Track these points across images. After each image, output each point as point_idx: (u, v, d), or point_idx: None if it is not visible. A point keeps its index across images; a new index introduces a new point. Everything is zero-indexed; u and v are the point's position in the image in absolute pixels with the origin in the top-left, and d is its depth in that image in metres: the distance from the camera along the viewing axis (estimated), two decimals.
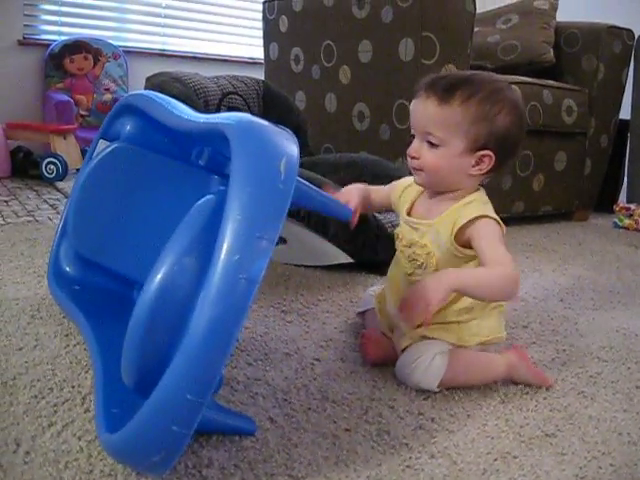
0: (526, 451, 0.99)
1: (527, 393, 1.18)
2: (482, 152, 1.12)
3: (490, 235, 1.11)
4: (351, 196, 1.21)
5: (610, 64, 2.96)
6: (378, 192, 1.31)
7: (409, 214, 1.22)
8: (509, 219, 2.78)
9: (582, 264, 2.22)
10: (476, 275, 1.10)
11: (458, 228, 1.11)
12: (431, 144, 1.12)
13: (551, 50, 3.02)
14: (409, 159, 1.16)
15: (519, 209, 2.81)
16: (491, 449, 0.99)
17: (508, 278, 1.08)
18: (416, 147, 1.14)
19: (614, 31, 2.95)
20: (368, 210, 1.33)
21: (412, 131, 1.17)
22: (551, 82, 2.82)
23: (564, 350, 1.41)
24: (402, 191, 1.26)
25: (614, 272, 2.15)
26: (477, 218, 1.11)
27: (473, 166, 1.13)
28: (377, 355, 1.24)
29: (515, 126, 1.13)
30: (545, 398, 1.17)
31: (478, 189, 1.19)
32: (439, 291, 1.03)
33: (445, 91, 1.11)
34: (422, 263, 1.18)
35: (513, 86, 1.19)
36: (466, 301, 1.17)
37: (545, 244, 2.52)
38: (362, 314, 1.41)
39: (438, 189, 1.18)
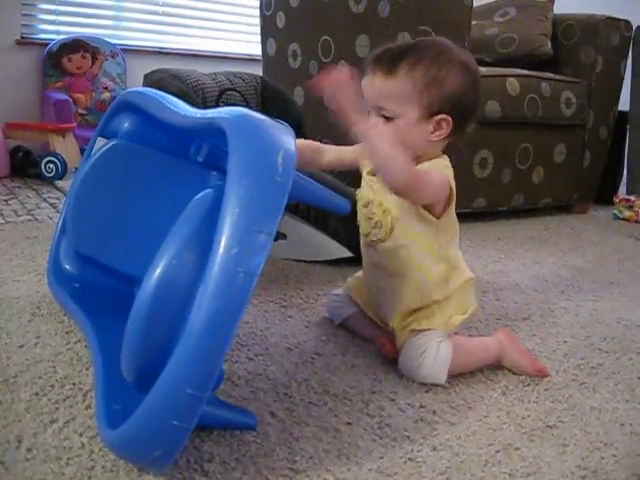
0: (528, 442, 0.99)
1: (528, 385, 1.18)
2: (438, 117, 1.11)
3: (427, 169, 1.12)
4: None
5: (608, 55, 2.95)
6: (334, 150, 1.28)
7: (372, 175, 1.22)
8: (509, 212, 2.79)
9: (582, 256, 2.22)
10: (386, 142, 1.07)
11: None
12: (386, 118, 1.12)
13: (549, 42, 3.01)
14: None
15: (519, 202, 2.81)
16: (493, 441, 0.99)
17: (406, 165, 1.05)
18: (373, 123, 1.14)
19: (612, 22, 2.94)
20: (313, 166, 1.29)
21: (367, 109, 1.16)
22: (549, 74, 2.81)
23: (565, 342, 1.41)
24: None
25: (615, 264, 2.14)
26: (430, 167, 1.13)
27: (432, 132, 1.13)
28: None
29: (467, 85, 1.12)
30: (546, 389, 1.17)
31: (440, 155, 1.19)
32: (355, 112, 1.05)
33: (390, 63, 1.11)
34: (377, 221, 1.18)
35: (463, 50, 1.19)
36: (439, 274, 1.19)
37: (545, 236, 2.52)
38: (343, 324, 1.38)
39: None
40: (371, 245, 1.22)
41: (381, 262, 1.22)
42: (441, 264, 1.19)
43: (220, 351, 0.73)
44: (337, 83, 1.05)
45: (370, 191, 1.20)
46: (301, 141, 1.18)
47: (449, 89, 1.10)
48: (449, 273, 1.20)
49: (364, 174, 1.23)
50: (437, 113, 1.11)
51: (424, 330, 1.17)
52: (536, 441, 1.00)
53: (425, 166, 1.14)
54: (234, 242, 0.73)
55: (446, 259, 1.20)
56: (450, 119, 1.12)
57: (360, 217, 1.23)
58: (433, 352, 1.14)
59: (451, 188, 1.14)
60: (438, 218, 1.16)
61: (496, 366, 1.25)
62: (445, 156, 1.19)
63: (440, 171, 1.13)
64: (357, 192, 1.24)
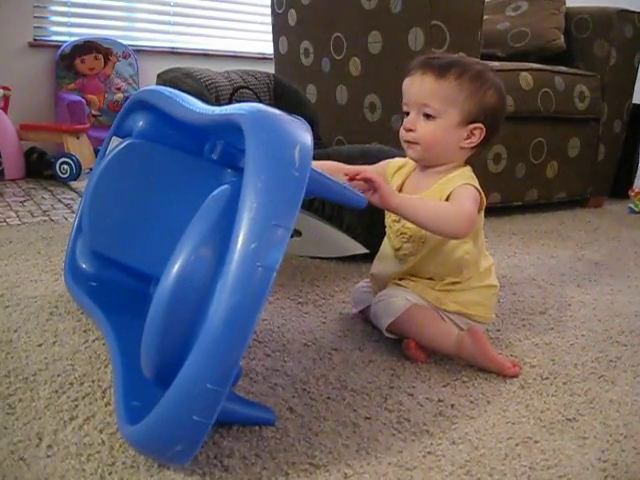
0: (547, 436, 0.99)
1: (547, 378, 1.18)
2: (474, 125, 1.20)
3: (462, 193, 1.18)
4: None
5: (622, 49, 2.93)
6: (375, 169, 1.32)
7: (400, 191, 1.27)
8: (523, 207, 2.78)
9: (598, 250, 2.21)
10: (421, 203, 1.16)
11: (445, 198, 1.18)
12: (428, 116, 1.20)
13: (562, 36, 2.99)
14: (403, 133, 1.23)
15: (533, 196, 2.80)
16: (512, 434, 0.98)
17: (455, 212, 1.14)
18: (412, 120, 1.21)
19: (625, 15, 2.92)
20: None
21: (405, 108, 1.23)
22: (563, 68, 2.80)
23: (583, 335, 1.40)
24: (396, 170, 1.32)
25: (631, 257, 2.13)
26: (459, 186, 1.19)
27: (465, 139, 1.21)
28: (428, 356, 1.24)
29: (500, 103, 1.23)
30: (565, 383, 1.17)
31: (465, 165, 1.26)
32: (386, 201, 1.10)
33: (441, 68, 1.19)
34: (411, 236, 1.24)
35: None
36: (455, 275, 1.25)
37: (560, 231, 2.51)
38: (361, 312, 1.42)
39: (430, 163, 1.24)
40: (402, 258, 1.28)
41: (413, 268, 1.27)
42: (467, 265, 1.26)
43: (240, 346, 0.73)
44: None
45: None
46: (322, 162, 1.25)
47: (487, 103, 1.20)
48: (470, 274, 1.26)
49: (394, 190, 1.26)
50: (473, 122, 1.20)
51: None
52: (556, 434, 0.99)
53: (455, 181, 1.20)
54: (252, 237, 0.73)
55: (473, 262, 1.26)
56: (484, 129, 1.21)
57: (389, 232, 1.30)
58: (390, 299, 1.23)
59: (482, 198, 1.21)
60: None
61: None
62: (469, 167, 1.26)
63: (468, 181, 1.20)
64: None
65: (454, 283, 1.25)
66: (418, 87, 1.21)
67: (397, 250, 1.28)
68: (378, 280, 1.34)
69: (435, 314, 1.24)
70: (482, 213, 1.24)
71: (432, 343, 1.22)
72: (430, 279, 1.26)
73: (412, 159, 1.27)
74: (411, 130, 1.21)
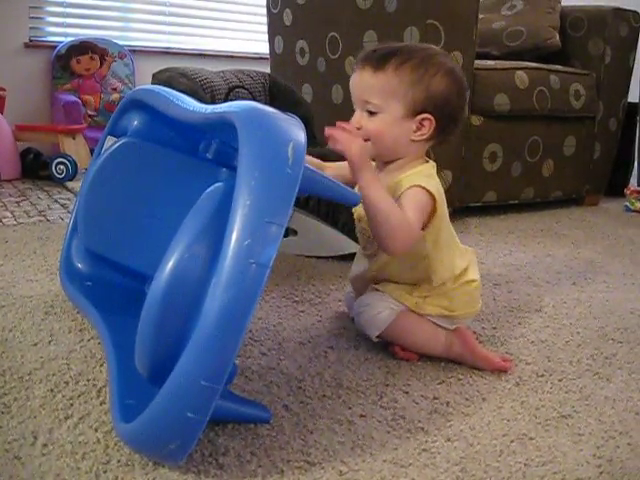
0: (542, 432, 0.99)
1: (542, 376, 1.18)
2: (422, 116, 1.14)
3: (409, 199, 1.12)
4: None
5: (617, 47, 2.94)
6: (335, 167, 1.29)
7: None
8: (519, 205, 2.78)
9: (594, 248, 2.21)
10: (385, 196, 1.09)
11: (396, 198, 1.13)
12: (371, 112, 1.15)
13: (557, 35, 3.00)
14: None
15: (529, 195, 2.80)
16: (507, 431, 0.99)
17: (404, 224, 1.08)
18: (357, 118, 1.18)
19: (620, 13, 2.92)
20: None
21: (354, 106, 1.19)
22: (558, 67, 2.80)
23: (578, 332, 1.40)
24: None
25: (627, 255, 2.13)
26: (410, 187, 1.13)
27: (415, 131, 1.15)
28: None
29: (452, 90, 1.16)
30: (560, 380, 1.17)
31: (427, 161, 1.22)
32: (360, 158, 1.08)
33: (379, 60, 1.14)
34: (369, 237, 1.21)
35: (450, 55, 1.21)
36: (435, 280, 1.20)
37: (556, 229, 2.51)
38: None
39: (386, 158, 1.20)
40: (368, 258, 1.27)
41: (377, 271, 1.25)
42: (441, 273, 1.21)
43: (234, 342, 0.73)
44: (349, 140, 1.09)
45: (361, 206, 1.19)
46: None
47: (434, 90, 1.14)
48: (442, 278, 1.21)
49: (356, 188, 1.23)
50: (420, 113, 1.14)
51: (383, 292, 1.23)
52: (551, 431, 0.99)
53: (409, 180, 1.15)
54: (246, 234, 0.73)
55: (440, 265, 1.21)
56: (433, 119, 1.14)
57: (357, 230, 1.28)
58: (374, 311, 1.19)
59: (435, 202, 1.14)
60: (423, 229, 1.15)
61: (509, 358, 1.25)
62: (432, 162, 1.22)
63: (421, 182, 1.13)
64: (353, 209, 1.26)
65: (429, 290, 1.21)
66: (358, 83, 1.17)
67: (364, 249, 1.27)
68: (356, 283, 1.33)
69: (421, 319, 1.21)
70: (439, 219, 1.17)
71: (422, 349, 1.21)
72: (407, 284, 1.23)
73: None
74: (358, 129, 1.16)
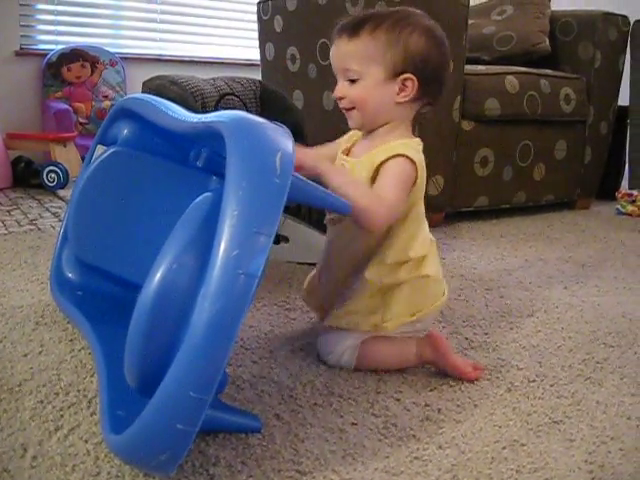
0: (534, 439, 0.99)
1: (534, 381, 1.18)
2: (403, 76, 1.11)
3: (391, 172, 1.09)
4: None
5: (606, 51, 2.95)
6: (326, 149, 1.27)
7: (348, 154, 1.21)
8: (511, 210, 2.79)
9: (586, 251, 2.22)
10: (348, 181, 1.07)
11: (375, 167, 1.10)
12: (352, 81, 1.13)
13: (547, 39, 3.01)
14: (338, 103, 1.17)
15: (521, 199, 2.81)
16: (499, 438, 0.98)
17: (374, 201, 1.05)
18: (339, 87, 1.16)
19: (609, 18, 2.94)
20: None
21: (336, 76, 1.17)
22: (548, 71, 2.81)
23: (570, 337, 1.41)
24: (347, 138, 1.25)
25: (618, 258, 2.14)
26: (393, 156, 1.10)
27: (398, 93, 1.12)
28: None
29: (431, 48, 1.12)
30: (552, 385, 1.17)
31: (413, 137, 1.17)
32: (312, 160, 1.06)
33: (354, 27, 1.13)
34: None
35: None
36: (390, 256, 1.15)
37: (548, 233, 2.51)
38: None
39: (373, 126, 1.17)
40: (331, 224, 1.22)
41: (337, 240, 1.22)
42: (396, 250, 1.16)
43: (223, 353, 0.73)
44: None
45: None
46: None
47: (412, 49, 1.11)
48: (404, 258, 1.16)
49: (338, 154, 1.22)
50: (401, 73, 1.11)
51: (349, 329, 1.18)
52: (542, 437, 0.99)
53: (392, 149, 1.11)
54: (234, 244, 0.73)
55: (403, 247, 1.16)
56: (415, 78, 1.11)
57: None
58: (337, 355, 1.18)
59: (417, 170, 1.11)
60: None
61: (500, 363, 1.25)
62: (419, 140, 1.17)
63: (404, 151, 1.10)
64: None
65: (383, 276, 1.15)
66: (335, 53, 1.16)
67: (329, 213, 1.21)
68: (309, 295, 1.30)
69: (384, 340, 1.18)
70: (415, 195, 1.14)
71: (398, 365, 1.19)
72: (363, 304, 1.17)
73: (355, 129, 1.21)
74: (341, 98, 1.15)
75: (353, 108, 1.14)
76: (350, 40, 1.12)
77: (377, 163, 1.10)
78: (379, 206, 1.05)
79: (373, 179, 1.11)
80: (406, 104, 1.14)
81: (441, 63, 1.16)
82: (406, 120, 1.18)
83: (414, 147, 1.14)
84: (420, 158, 1.12)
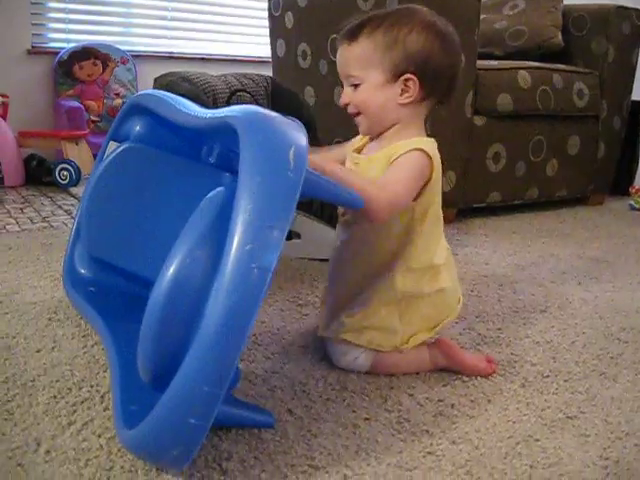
0: (548, 434, 0.98)
1: (547, 376, 1.18)
2: (404, 77, 1.08)
3: (401, 163, 1.07)
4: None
5: (620, 45, 2.92)
6: (334, 151, 1.27)
7: (359, 153, 1.20)
8: (524, 205, 2.77)
9: (599, 247, 2.20)
10: (353, 177, 1.04)
11: (391, 162, 1.08)
12: (355, 86, 1.12)
13: (559, 34, 2.99)
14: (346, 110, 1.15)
15: (533, 195, 2.79)
16: (513, 433, 0.98)
17: (372, 195, 1.00)
18: (344, 94, 1.14)
19: (622, 12, 2.91)
20: None
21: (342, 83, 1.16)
22: (561, 66, 2.79)
23: (584, 333, 1.40)
24: (359, 139, 1.22)
25: (632, 254, 2.13)
26: (406, 152, 1.08)
27: (400, 94, 1.10)
28: None
29: (432, 45, 1.09)
30: (566, 381, 1.16)
31: (423, 136, 1.14)
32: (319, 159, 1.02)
33: (353, 32, 1.11)
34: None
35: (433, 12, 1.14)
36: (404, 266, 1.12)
37: (561, 229, 2.50)
38: None
39: (380, 129, 1.14)
40: (345, 225, 1.19)
41: (352, 243, 1.18)
42: (419, 255, 1.14)
43: (236, 348, 0.73)
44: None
45: (352, 166, 1.17)
46: None
47: (411, 49, 1.08)
48: (428, 263, 1.15)
49: (349, 152, 1.20)
50: (402, 74, 1.09)
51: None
52: (557, 432, 0.99)
53: (402, 147, 1.09)
54: (247, 238, 0.73)
55: (426, 250, 1.15)
56: (416, 79, 1.08)
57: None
58: (351, 358, 1.16)
59: (432, 163, 1.09)
60: (415, 199, 1.10)
61: (514, 359, 1.24)
62: (433, 140, 1.14)
63: (417, 146, 1.08)
64: None
65: (400, 296, 1.13)
66: (339, 60, 1.14)
67: (342, 215, 1.19)
68: (328, 296, 1.23)
69: (393, 354, 1.17)
70: (432, 195, 1.13)
71: (412, 372, 1.18)
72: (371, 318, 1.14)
73: (364, 134, 1.19)
74: (347, 104, 1.14)
75: (359, 113, 1.13)
76: (350, 45, 1.11)
77: (393, 158, 1.08)
78: (380, 193, 1.02)
79: None
80: (412, 105, 1.12)
81: (445, 60, 1.11)
82: (416, 121, 1.15)
83: (429, 144, 1.11)
84: (436, 154, 1.10)
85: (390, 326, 1.13)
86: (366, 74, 1.10)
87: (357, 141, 1.23)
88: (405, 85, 1.09)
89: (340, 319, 1.16)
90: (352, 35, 1.11)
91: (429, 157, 1.08)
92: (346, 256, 1.19)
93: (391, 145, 1.11)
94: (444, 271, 1.17)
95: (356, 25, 1.12)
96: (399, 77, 1.09)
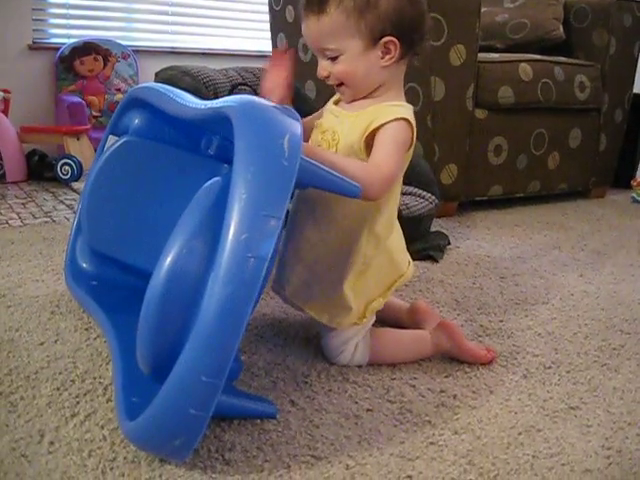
0: (550, 424, 0.98)
1: (550, 367, 1.18)
2: (384, 40, 1.05)
3: (391, 137, 1.04)
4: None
5: (621, 38, 2.92)
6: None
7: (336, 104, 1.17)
8: (525, 199, 2.77)
9: (601, 239, 2.20)
10: (338, 156, 1.03)
11: (371, 130, 1.05)
12: (332, 58, 1.08)
13: (561, 26, 2.98)
14: (326, 81, 1.12)
15: (535, 188, 2.79)
16: (515, 423, 0.98)
17: (367, 176, 0.99)
18: (322, 65, 1.10)
19: (624, 4, 2.90)
20: None
21: (315, 55, 1.12)
22: (562, 59, 2.78)
23: (586, 324, 1.40)
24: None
25: (634, 246, 2.12)
26: (391, 121, 1.05)
27: (382, 57, 1.07)
28: None
29: (404, 3, 1.05)
30: (568, 371, 1.16)
31: (401, 98, 1.13)
32: None
33: (319, 3, 1.05)
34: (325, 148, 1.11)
35: None
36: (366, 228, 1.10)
37: (563, 222, 2.50)
38: None
39: (365, 94, 1.11)
40: (307, 195, 1.14)
41: (310, 211, 1.14)
42: (386, 219, 1.13)
43: (234, 337, 0.73)
44: (275, 62, 1.04)
45: (333, 120, 1.14)
46: None
47: (385, 10, 1.04)
48: (376, 234, 1.12)
49: (329, 105, 1.18)
50: (380, 37, 1.05)
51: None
52: (559, 422, 0.99)
53: (386, 112, 1.06)
54: (243, 228, 0.73)
55: (392, 214, 1.14)
56: (395, 40, 1.05)
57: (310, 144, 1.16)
58: (350, 352, 1.15)
59: (412, 133, 1.07)
60: None
61: (516, 350, 1.24)
62: (410, 106, 1.11)
63: (401, 114, 1.05)
64: (317, 122, 1.18)
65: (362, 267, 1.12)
66: (308, 34, 1.09)
67: None
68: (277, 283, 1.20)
69: (393, 332, 1.20)
70: (410, 153, 1.10)
71: (414, 358, 1.19)
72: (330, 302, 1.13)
73: (349, 102, 1.13)
74: (326, 77, 1.10)
75: (342, 84, 1.10)
76: (319, 19, 1.05)
77: (375, 126, 1.05)
78: (377, 175, 1.01)
79: (368, 137, 1.06)
80: (394, 65, 1.09)
81: (416, 14, 1.08)
82: (397, 80, 1.13)
83: (409, 112, 1.09)
84: (414, 121, 1.08)
85: (347, 304, 1.11)
86: (343, 45, 1.05)
87: (336, 95, 1.19)
88: (385, 47, 1.06)
89: (296, 285, 1.15)
90: (320, 7, 1.05)
91: (411, 126, 1.06)
92: (305, 224, 1.15)
93: (374, 106, 1.09)
94: (395, 231, 1.17)
95: None
96: (378, 41, 1.05)
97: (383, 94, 1.11)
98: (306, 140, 1.15)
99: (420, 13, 1.09)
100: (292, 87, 1.07)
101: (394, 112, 1.06)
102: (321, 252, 1.12)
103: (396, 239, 1.17)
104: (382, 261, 1.13)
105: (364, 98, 1.12)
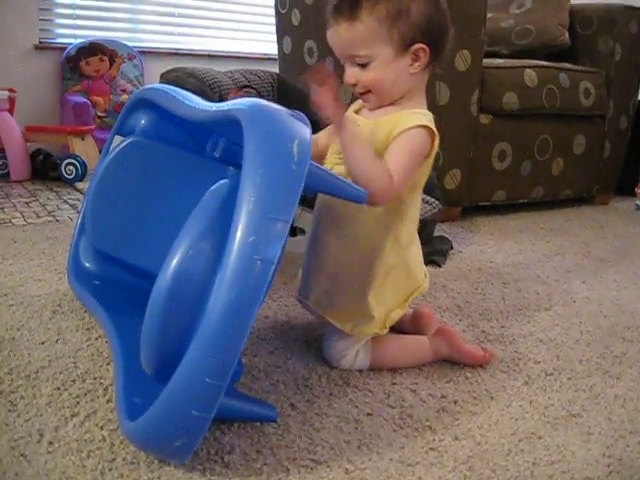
0: (551, 431, 0.98)
1: (551, 374, 1.17)
2: (414, 47, 1.06)
3: (403, 145, 1.05)
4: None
5: (627, 45, 2.91)
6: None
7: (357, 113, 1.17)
8: (529, 205, 2.77)
9: (604, 247, 2.20)
10: (366, 150, 1.03)
11: (393, 137, 1.05)
12: (361, 65, 1.08)
13: (566, 33, 2.98)
14: (351, 89, 1.12)
15: (539, 194, 2.78)
16: (515, 430, 0.98)
17: (382, 176, 1.00)
18: (350, 73, 1.10)
19: (630, 11, 2.90)
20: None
21: (341, 62, 1.12)
22: (567, 65, 2.78)
23: (588, 331, 1.39)
24: (357, 103, 1.19)
25: (637, 254, 2.12)
26: (410, 128, 1.05)
27: (411, 64, 1.08)
28: None
29: (430, 8, 1.07)
30: (570, 379, 1.16)
31: (422, 105, 1.13)
32: (338, 115, 1.01)
33: (351, 8, 1.05)
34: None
35: None
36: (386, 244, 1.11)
37: (566, 228, 2.49)
38: None
39: (390, 102, 1.12)
40: (329, 206, 1.15)
41: (333, 224, 1.15)
42: (409, 227, 1.14)
43: (238, 340, 0.73)
44: (321, 80, 1.03)
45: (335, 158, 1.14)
46: None
47: (415, 17, 1.05)
48: (414, 236, 1.16)
49: (349, 112, 1.17)
50: (410, 44, 1.06)
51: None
52: (560, 430, 0.99)
53: (406, 120, 1.06)
54: (250, 230, 0.73)
55: (413, 221, 1.15)
56: (426, 47, 1.07)
57: (330, 152, 1.18)
58: (351, 357, 1.15)
59: (433, 141, 1.07)
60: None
61: (517, 356, 1.24)
62: (431, 114, 1.11)
63: (421, 122, 1.06)
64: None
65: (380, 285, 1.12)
66: (337, 41, 1.09)
67: (331, 169, 1.12)
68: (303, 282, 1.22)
69: (395, 338, 1.21)
70: (431, 162, 1.11)
71: (414, 364, 1.19)
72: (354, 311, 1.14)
73: (372, 110, 1.14)
74: (354, 84, 1.10)
75: (368, 92, 1.11)
76: (350, 25, 1.05)
77: (397, 131, 1.05)
78: (385, 183, 1.01)
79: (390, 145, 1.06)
80: (420, 72, 1.10)
81: (442, 22, 1.09)
82: (420, 88, 1.14)
83: (431, 119, 1.09)
84: (435, 128, 1.08)
85: (370, 313, 1.12)
86: (375, 52, 1.06)
87: (355, 104, 1.20)
88: (415, 54, 1.07)
89: (318, 294, 1.16)
90: (351, 13, 1.05)
91: (432, 134, 1.07)
92: (327, 233, 1.16)
93: (395, 113, 1.09)
94: (415, 242, 1.18)
95: (351, 3, 1.06)
96: (408, 47, 1.06)
97: (407, 102, 1.11)
98: (322, 157, 1.18)
99: (446, 21, 1.11)
100: (343, 108, 1.07)
101: (414, 119, 1.06)
102: (344, 261, 1.13)
103: (415, 251, 1.18)
104: (400, 272, 1.14)
105: (387, 106, 1.12)
